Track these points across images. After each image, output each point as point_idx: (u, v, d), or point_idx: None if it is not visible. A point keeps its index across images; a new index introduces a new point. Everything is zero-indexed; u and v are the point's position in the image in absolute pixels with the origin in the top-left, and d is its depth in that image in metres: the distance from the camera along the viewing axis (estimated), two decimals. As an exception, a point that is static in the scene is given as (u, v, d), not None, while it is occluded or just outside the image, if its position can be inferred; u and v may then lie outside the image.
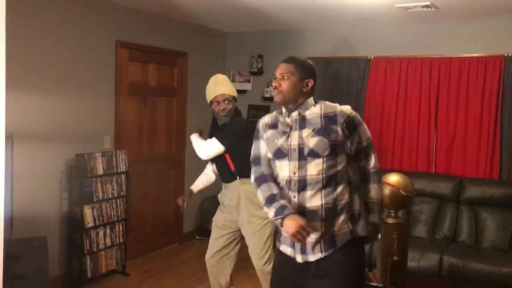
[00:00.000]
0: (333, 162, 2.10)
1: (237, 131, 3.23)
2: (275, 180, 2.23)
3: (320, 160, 2.08)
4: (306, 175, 2.10)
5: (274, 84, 2.21)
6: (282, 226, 2.08)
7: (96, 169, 4.05)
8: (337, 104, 2.21)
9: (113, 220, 4.21)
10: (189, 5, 4.38)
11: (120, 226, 4.29)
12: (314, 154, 2.09)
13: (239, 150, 3.17)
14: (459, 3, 3.84)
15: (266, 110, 5.65)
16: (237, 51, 5.85)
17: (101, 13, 4.28)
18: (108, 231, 4.17)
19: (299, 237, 1.98)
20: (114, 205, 4.22)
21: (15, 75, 3.48)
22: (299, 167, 2.11)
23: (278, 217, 2.07)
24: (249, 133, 3.10)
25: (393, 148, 4.86)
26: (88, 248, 3.99)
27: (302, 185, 2.11)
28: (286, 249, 2.21)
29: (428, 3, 3.80)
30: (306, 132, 2.13)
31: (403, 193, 2.89)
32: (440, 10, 4.03)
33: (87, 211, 3.98)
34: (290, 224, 1.99)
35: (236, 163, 3.22)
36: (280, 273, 2.28)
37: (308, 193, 2.10)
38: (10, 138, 2.94)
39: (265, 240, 3.19)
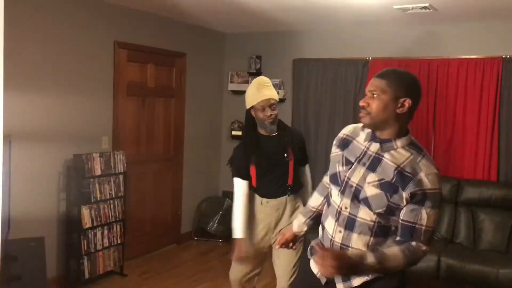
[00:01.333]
0: (386, 219, 1.84)
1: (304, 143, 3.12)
2: (326, 194, 2.19)
3: (371, 213, 1.83)
4: (357, 216, 1.87)
5: (361, 103, 1.86)
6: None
7: (94, 170, 4.04)
8: (428, 168, 1.80)
9: (111, 220, 4.20)
10: (188, 5, 4.38)
11: (118, 226, 4.28)
12: (366, 203, 1.83)
13: (299, 164, 3.05)
14: (457, 5, 3.85)
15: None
16: (235, 52, 5.84)
17: (99, 13, 4.28)
18: (106, 231, 4.17)
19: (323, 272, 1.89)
20: (112, 206, 4.22)
21: (13, 75, 3.47)
22: (351, 206, 1.88)
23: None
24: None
25: (391, 149, 4.85)
26: (85, 248, 3.98)
27: (351, 225, 1.88)
28: (314, 267, 2.03)
29: (427, 4, 3.80)
30: (371, 177, 1.83)
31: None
32: (438, 11, 4.04)
33: (85, 211, 3.97)
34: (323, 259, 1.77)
35: (294, 178, 2.99)
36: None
37: (355, 235, 1.87)
38: (8, 138, 2.94)
39: (297, 259, 2.91)
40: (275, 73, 5.60)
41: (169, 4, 4.32)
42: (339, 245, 1.92)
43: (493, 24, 4.41)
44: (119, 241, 4.30)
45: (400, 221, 1.81)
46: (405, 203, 1.78)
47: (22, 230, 3.56)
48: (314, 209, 2.29)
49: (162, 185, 5.17)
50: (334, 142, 2.09)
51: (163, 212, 5.22)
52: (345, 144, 2.01)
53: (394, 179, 1.79)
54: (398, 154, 1.82)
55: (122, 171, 4.30)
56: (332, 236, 1.95)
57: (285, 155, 2.94)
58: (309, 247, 2.14)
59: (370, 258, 1.75)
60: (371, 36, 5.00)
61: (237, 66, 5.82)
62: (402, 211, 1.80)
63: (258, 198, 3.01)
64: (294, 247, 2.41)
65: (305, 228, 2.30)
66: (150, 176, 5.01)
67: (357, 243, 1.87)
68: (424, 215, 1.77)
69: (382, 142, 1.86)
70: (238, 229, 2.95)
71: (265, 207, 2.99)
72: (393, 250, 1.79)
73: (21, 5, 3.62)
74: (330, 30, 5.22)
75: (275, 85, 5.52)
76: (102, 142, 4.41)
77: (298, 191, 3.03)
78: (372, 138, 1.90)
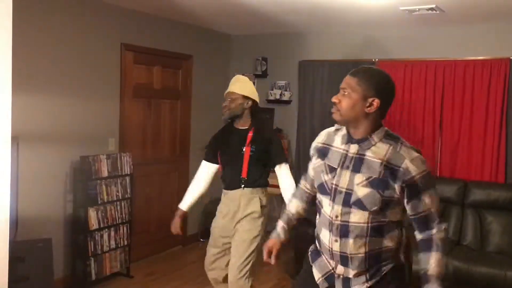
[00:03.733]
0: (382, 214, 1.86)
1: (280, 143, 3.24)
2: (306, 198, 2.25)
3: (366, 213, 1.84)
4: (348, 222, 1.87)
5: (333, 99, 1.91)
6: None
7: (100, 171, 4.06)
8: (409, 154, 1.82)
9: (117, 222, 4.22)
10: (194, 8, 4.39)
11: (124, 228, 4.30)
12: (360, 205, 1.84)
13: (261, 161, 3.18)
14: (464, 6, 3.84)
15: (270, 113, 5.66)
16: (241, 54, 5.85)
17: (106, 16, 4.30)
18: (112, 233, 4.18)
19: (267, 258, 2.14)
20: (118, 208, 4.23)
21: (20, 77, 3.49)
22: (342, 213, 1.88)
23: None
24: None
25: (397, 151, 4.83)
26: (92, 250, 4.00)
27: (344, 231, 1.89)
28: (317, 275, 2.06)
29: (433, 6, 3.79)
30: (359, 178, 1.84)
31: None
32: (444, 13, 4.02)
33: (92, 213, 3.98)
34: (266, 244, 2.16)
35: (250, 172, 3.13)
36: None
37: (350, 240, 1.88)
38: (15, 140, 2.95)
39: (250, 253, 3.07)
40: (281, 75, 5.61)
41: (175, 6, 4.33)
42: (338, 253, 1.94)
43: (500, 26, 4.39)
44: (125, 243, 4.31)
45: (412, 218, 1.86)
46: (399, 194, 1.81)
47: (29, 231, 3.58)
48: (293, 215, 2.28)
49: (168, 187, 5.18)
50: (312, 153, 2.10)
51: (169, 214, 5.18)
52: (323, 152, 2.02)
53: (382, 174, 1.81)
54: (378, 149, 1.85)
55: (128, 172, 4.32)
56: (329, 247, 1.96)
57: (242, 148, 3.12)
58: (309, 253, 2.15)
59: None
60: (378, 38, 4.99)
61: (243, 68, 5.83)
62: (408, 209, 1.85)
63: (223, 190, 3.27)
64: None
65: (287, 235, 2.28)
66: (156, 178, 5.02)
67: (355, 248, 1.89)
68: (427, 200, 1.82)
69: (359, 142, 1.88)
70: (183, 200, 3.31)
71: (225, 198, 3.22)
72: (434, 259, 1.83)
73: (29, 8, 3.65)
74: (336, 32, 5.22)
75: (281, 87, 5.58)
76: (109, 143, 4.42)
77: (255, 186, 3.15)
78: (349, 140, 1.92)
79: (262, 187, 3.19)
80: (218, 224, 3.26)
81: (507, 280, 3.61)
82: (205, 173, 3.33)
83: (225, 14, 4.61)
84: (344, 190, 1.88)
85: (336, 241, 1.92)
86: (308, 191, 2.26)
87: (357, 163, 1.86)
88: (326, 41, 5.31)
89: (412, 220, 1.87)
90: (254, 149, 3.12)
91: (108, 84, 4.38)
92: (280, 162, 3.16)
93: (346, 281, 1.96)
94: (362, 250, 1.88)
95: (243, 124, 3.20)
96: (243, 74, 5.74)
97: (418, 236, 1.90)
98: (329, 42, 5.29)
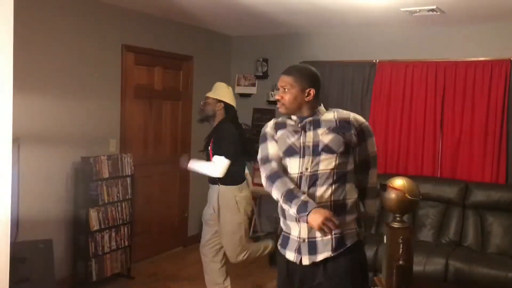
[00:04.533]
0: (345, 160, 2.18)
1: (229, 139, 3.48)
2: (287, 175, 2.23)
3: (333, 156, 2.15)
4: (318, 170, 2.15)
5: (276, 96, 2.28)
6: (307, 222, 2.06)
7: (101, 172, 4.06)
8: (350, 112, 2.28)
9: (118, 223, 4.22)
10: (195, 9, 4.40)
11: (125, 229, 4.30)
12: (328, 149, 2.15)
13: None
14: (465, 7, 3.84)
15: (271, 114, 5.65)
16: (242, 55, 5.86)
17: (107, 17, 4.31)
18: (113, 234, 4.18)
19: (326, 229, 2.01)
20: (119, 208, 4.23)
21: (22, 78, 3.50)
22: (312, 162, 2.16)
23: (302, 214, 2.06)
24: (238, 140, 3.50)
25: (398, 152, 4.84)
26: (93, 251, 4.00)
27: (313, 180, 2.15)
28: (290, 254, 2.23)
29: (434, 7, 3.79)
30: (321, 130, 2.19)
31: (409, 197, 2.87)
32: (445, 14, 4.02)
33: (93, 214, 3.99)
34: (317, 218, 2.01)
35: None
36: (283, 279, 2.30)
37: (319, 188, 2.14)
38: (16, 141, 2.96)
39: (238, 240, 3.58)
40: (282, 76, 5.61)
41: (176, 7, 4.34)
42: None
43: (500, 26, 4.39)
44: (126, 244, 4.31)
45: (358, 159, 2.24)
46: (354, 140, 2.19)
47: (30, 232, 3.58)
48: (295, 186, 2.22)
49: (169, 188, 5.18)
50: (270, 129, 2.31)
51: (170, 215, 5.23)
52: (283, 125, 2.30)
53: (338, 124, 2.20)
54: (327, 114, 2.26)
55: (129, 173, 4.32)
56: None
57: (208, 147, 3.59)
58: (278, 246, 2.31)
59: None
60: (378, 39, 4.99)
61: (244, 69, 5.84)
62: (356, 153, 2.22)
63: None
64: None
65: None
66: (157, 179, 5.02)
67: (322, 195, 2.13)
68: (371, 144, 2.27)
69: (309, 116, 2.24)
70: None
71: (210, 190, 3.68)
72: (370, 203, 2.34)
73: (31, 10, 3.65)
74: (337, 33, 5.22)
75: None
76: (110, 144, 4.43)
77: (228, 184, 3.55)
78: (301, 119, 2.25)
79: (236, 184, 3.56)
80: (206, 212, 3.73)
81: (508, 281, 3.61)
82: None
83: (226, 15, 4.62)
84: (311, 144, 2.18)
85: (304, 192, 2.14)
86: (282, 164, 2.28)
87: (316, 124, 2.22)
88: (327, 42, 5.31)
89: (359, 163, 2.24)
90: (213, 146, 3.53)
91: (109, 85, 4.39)
92: (214, 153, 3.53)
93: (312, 244, 2.14)
94: (328, 197, 2.13)
95: (214, 125, 3.63)
96: (243, 76, 5.81)
97: (359, 177, 2.27)
98: (330, 43, 5.29)
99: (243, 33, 5.72)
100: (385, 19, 4.41)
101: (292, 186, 2.15)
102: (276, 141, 2.28)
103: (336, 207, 2.14)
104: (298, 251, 2.19)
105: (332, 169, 2.15)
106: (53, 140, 3.90)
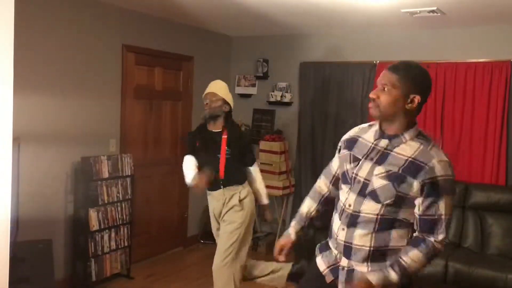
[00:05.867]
0: (394, 209, 1.84)
1: (249, 141, 3.54)
2: (320, 199, 2.22)
3: (378, 205, 1.84)
4: (360, 212, 1.88)
5: (371, 95, 1.88)
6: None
7: (101, 172, 4.06)
8: (438, 155, 1.83)
9: (118, 223, 4.22)
10: (196, 9, 4.40)
11: (125, 229, 4.30)
12: (374, 196, 1.84)
13: (237, 161, 3.46)
14: (465, 8, 3.84)
15: (271, 114, 5.66)
16: (242, 56, 5.86)
17: (107, 17, 4.30)
18: (113, 234, 4.18)
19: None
20: (119, 209, 4.23)
21: (22, 78, 3.50)
22: (356, 202, 1.89)
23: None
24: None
25: (398, 153, 4.83)
26: (93, 251, 4.00)
27: (353, 221, 1.90)
28: (322, 266, 2.08)
29: (434, 8, 3.79)
30: (379, 170, 1.85)
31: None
32: (446, 15, 4.02)
33: (92, 214, 3.99)
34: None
35: (226, 173, 3.41)
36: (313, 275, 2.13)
37: (358, 230, 1.89)
38: (16, 140, 2.96)
39: (232, 243, 3.38)
40: (282, 77, 5.62)
41: (176, 8, 4.34)
42: (343, 243, 1.94)
43: (501, 28, 4.39)
44: (126, 244, 4.31)
45: (418, 216, 1.82)
46: (415, 192, 1.79)
47: (30, 232, 3.58)
48: (305, 215, 2.25)
49: (169, 188, 5.18)
50: (340, 145, 2.12)
51: (170, 215, 5.23)
52: (351, 144, 2.03)
53: (402, 170, 1.80)
54: (408, 146, 1.84)
55: (129, 174, 4.32)
56: (336, 234, 1.98)
57: (218, 152, 3.39)
58: (317, 246, 2.19)
59: (393, 276, 1.81)
60: (379, 40, 5.00)
61: (244, 70, 5.84)
62: (418, 205, 1.80)
63: (206, 190, 3.54)
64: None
65: (300, 234, 2.27)
66: (157, 179, 5.02)
67: (360, 239, 1.88)
68: (442, 205, 1.79)
69: (390, 138, 1.88)
70: (190, 175, 3.51)
71: (211, 198, 3.53)
72: (412, 254, 1.82)
73: (31, 10, 3.65)
74: (337, 34, 5.22)
75: (282, 89, 5.58)
76: (110, 145, 4.43)
77: (233, 184, 3.43)
78: (380, 135, 1.91)
79: (239, 184, 3.45)
80: (214, 225, 3.61)
81: (508, 283, 3.61)
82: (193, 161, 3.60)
83: (226, 15, 4.62)
84: (362, 180, 1.88)
85: (343, 229, 1.93)
86: (323, 192, 2.24)
87: (382, 157, 1.86)
88: (327, 43, 5.31)
89: (418, 219, 1.83)
90: (229, 152, 3.39)
91: (109, 85, 4.39)
92: (251, 164, 3.54)
93: (350, 272, 1.95)
94: (367, 243, 1.87)
95: (216, 127, 3.47)
96: (243, 76, 5.81)
97: (416, 234, 1.87)
98: (331, 43, 5.29)
99: (243, 34, 5.72)
100: (386, 20, 4.41)
101: (304, 210, 2.23)
102: (339, 159, 2.10)
103: (376, 254, 1.87)
104: (334, 272, 2.01)
105: (377, 214, 1.85)
106: (53, 140, 3.90)
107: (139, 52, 4.66)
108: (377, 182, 1.83)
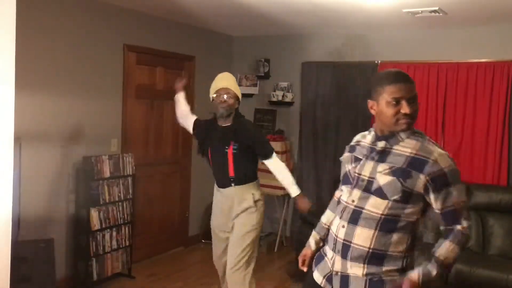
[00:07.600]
0: (400, 207, 1.84)
1: (258, 132, 3.30)
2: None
3: (384, 202, 1.84)
4: (363, 208, 1.87)
5: (408, 111, 1.81)
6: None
7: (103, 172, 4.07)
8: (437, 150, 1.84)
9: (119, 223, 4.22)
10: (197, 9, 4.40)
11: (126, 229, 4.30)
12: (380, 193, 1.84)
13: (246, 157, 3.22)
14: (467, 9, 3.83)
15: (273, 114, 5.66)
16: (244, 55, 5.86)
17: (109, 17, 4.31)
18: (114, 233, 4.18)
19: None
20: (120, 208, 4.24)
21: (23, 78, 3.50)
22: (360, 198, 1.89)
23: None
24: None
25: (400, 153, 4.83)
26: (94, 250, 4.00)
27: (355, 217, 1.89)
28: (318, 277, 2.06)
29: (436, 8, 3.79)
30: (382, 167, 1.86)
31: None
32: (448, 15, 4.02)
33: (94, 213, 3.99)
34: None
35: (236, 170, 3.19)
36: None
37: (358, 228, 1.87)
38: (18, 140, 2.96)
39: (245, 246, 3.16)
40: (283, 76, 5.61)
41: (178, 8, 4.34)
42: (342, 241, 1.92)
43: (503, 28, 4.38)
44: (127, 243, 4.31)
45: (439, 212, 1.84)
46: (420, 187, 1.81)
47: (31, 231, 3.59)
48: (327, 226, 2.25)
49: (170, 188, 5.18)
50: (345, 149, 2.15)
51: (171, 215, 5.23)
52: (353, 148, 2.08)
53: (406, 165, 1.82)
54: (406, 144, 1.87)
55: (130, 173, 4.32)
56: (335, 234, 1.97)
57: (226, 147, 3.17)
58: (315, 257, 2.17)
59: (434, 270, 1.85)
60: (380, 40, 4.99)
61: (245, 69, 5.84)
62: (434, 202, 1.83)
63: (215, 185, 3.33)
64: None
65: (321, 244, 2.26)
66: (158, 179, 5.03)
67: (360, 237, 1.86)
68: (455, 193, 1.81)
69: (387, 138, 1.91)
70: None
71: (220, 195, 3.28)
72: (445, 246, 1.85)
73: (33, 10, 3.66)
74: (339, 34, 5.22)
75: (283, 88, 5.58)
76: (111, 144, 4.43)
77: (247, 182, 3.21)
78: (377, 137, 1.95)
79: (252, 181, 3.24)
80: (217, 222, 3.35)
81: (509, 283, 3.60)
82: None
83: (228, 15, 4.62)
84: (366, 178, 1.90)
85: (343, 226, 1.92)
86: None
87: (383, 156, 1.89)
88: (328, 43, 5.31)
89: (439, 215, 1.85)
90: (236, 147, 3.16)
91: (110, 85, 4.39)
92: (267, 157, 3.19)
93: (345, 279, 1.92)
94: (367, 244, 1.85)
95: (226, 122, 3.24)
96: (245, 76, 5.80)
97: (442, 228, 1.90)
98: (332, 43, 5.29)
99: (245, 34, 5.72)
100: (387, 20, 4.40)
101: (324, 220, 2.26)
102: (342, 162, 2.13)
103: (373, 256, 1.85)
104: (330, 281, 1.99)
105: (381, 214, 1.84)
106: (54, 139, 3.91)
107: (140, 52, 4.66)
108: (382, 179, 1.84)
